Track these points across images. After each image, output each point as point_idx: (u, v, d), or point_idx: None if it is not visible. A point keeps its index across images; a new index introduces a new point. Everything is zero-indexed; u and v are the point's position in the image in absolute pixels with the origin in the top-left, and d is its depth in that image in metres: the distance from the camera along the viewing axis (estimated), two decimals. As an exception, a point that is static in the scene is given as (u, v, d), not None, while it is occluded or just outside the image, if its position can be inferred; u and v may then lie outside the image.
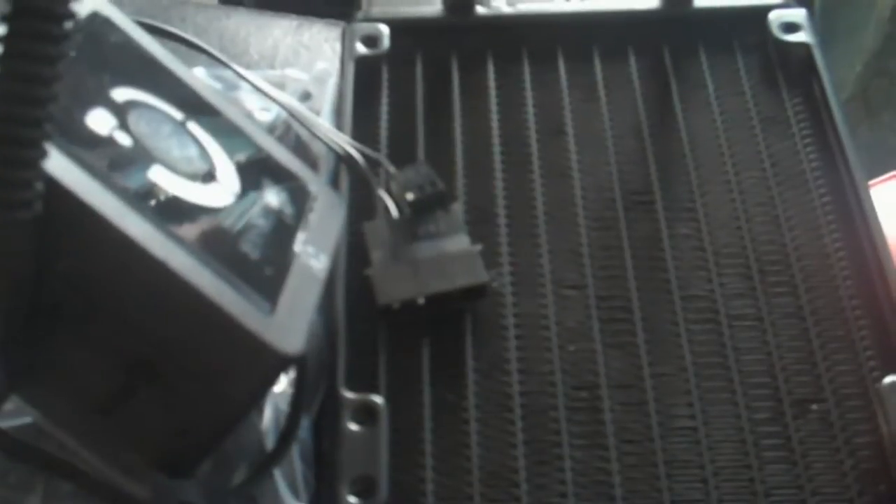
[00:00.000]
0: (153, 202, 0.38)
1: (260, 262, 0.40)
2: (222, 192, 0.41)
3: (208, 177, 0.41)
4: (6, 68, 0.31)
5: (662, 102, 0.59)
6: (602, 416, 0.48)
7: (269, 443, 0.45)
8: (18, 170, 0.32)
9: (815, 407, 0.48)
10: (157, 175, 0.39)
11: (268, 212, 0.43)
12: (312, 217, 0.45)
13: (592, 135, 0.57)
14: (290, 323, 0.38)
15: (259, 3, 0.93)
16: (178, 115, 0.43)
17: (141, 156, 0.39)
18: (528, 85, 0.59)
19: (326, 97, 0.58)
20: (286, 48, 0.67)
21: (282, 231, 0.43)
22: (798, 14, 0.62)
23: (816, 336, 0.50)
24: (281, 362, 0.37)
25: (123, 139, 0.39)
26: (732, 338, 0.50)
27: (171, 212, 0.38)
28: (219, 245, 0.38)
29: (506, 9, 0.63)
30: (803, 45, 0.60)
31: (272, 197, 0.44)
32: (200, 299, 0.36)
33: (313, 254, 0.43)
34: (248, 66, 0.58)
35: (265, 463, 0.44)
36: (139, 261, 0.35)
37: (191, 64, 0.55)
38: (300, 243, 0.43)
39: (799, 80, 0.60)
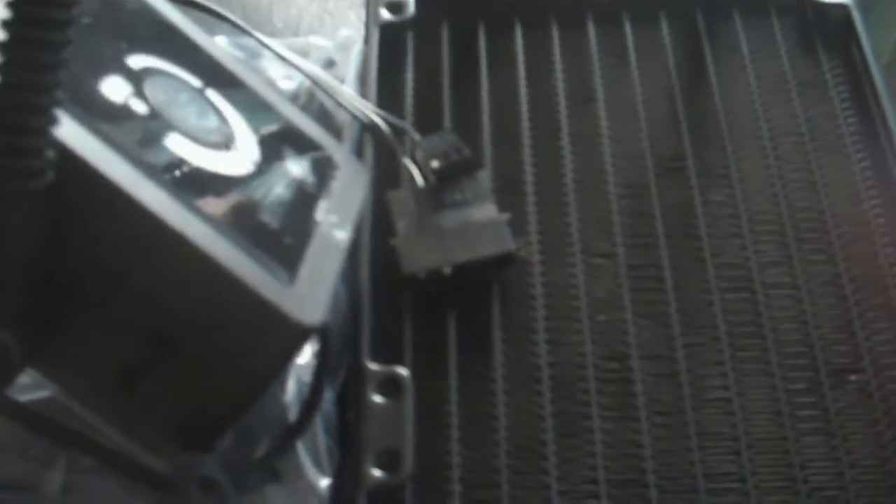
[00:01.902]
0: (170, 171, 0.37)
1: (280, 231, 0.39)
2: (242, 160, 0.40)
3: (227, 145, 0.40)
4: (13, 33, 0.30)
5: (695, 66, 0.57)
6: (633, 387, 0.47)
7: (293, 416, 0.44)
8: (27, 137, 0.31)
9: (853, 377, 0.47)
10: (175, 143, 0.38)
11: (289, 181, 0.42)
12: (335, 186, 0.44)
13: (623, 100, 0.56)
14: (310, 293, 0.37)
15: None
16: (196, 82, 0.42)
17: (157, 124, 0.38)
18: (556, 50, 0.58)
19: (351, 65, 0.57)
20: (310, 16, 0.66)
21: (303, 200, 0.42)
22: (836, -26, 0.60)
23: (854, 304, 0.49)
24: (300, 333, 0.36)
25: (139, 107, 0.38)
26: (768, 306, 0.49)
27: (189, 181, 0.37)
28: (237, 215, 0.38)
29: (533, -27, 0.61)
30: (841, 6, 0.59)
31: (294, 166, 0.43)
32: (218, 270, 0.35)
33: (335, 223, 0.42)
34: (271, 35, 0.57)
35: (287, 436, 0.43)
36: (155, 231, 0.34)
37: (213, 32, 0.54)
38: (322, 213, 0.42)
39: (837, 43, 0.58)
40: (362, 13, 0.60)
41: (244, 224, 0.37)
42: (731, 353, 0.47)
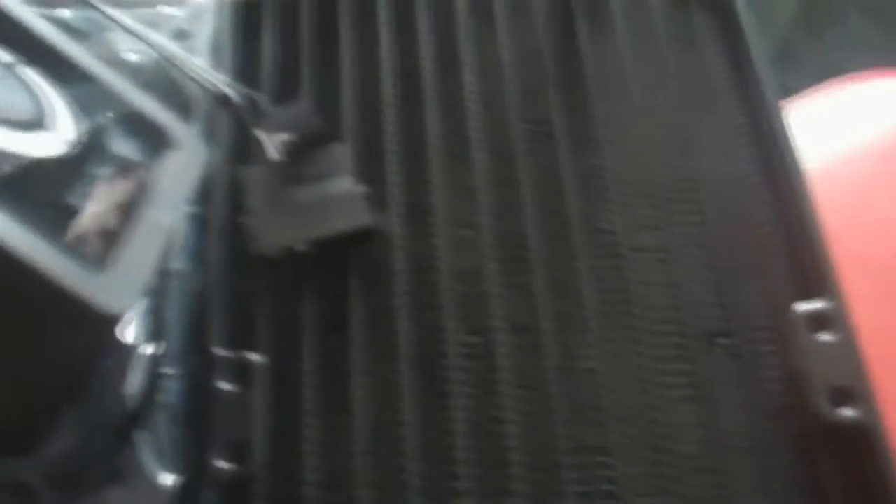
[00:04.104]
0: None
1: (90, 214, 0.36)
2: (53, 140, 0.38)
3: (37, 125, 0.38)
4: None
5: (564, 24, 0.55)
6: (496, 361, 0.45)
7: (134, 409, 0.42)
8: None
9: (722, 341, 0.45)
10: (-31, 123, 0.35)
11: (110, 160, 0.39)
12: (167, 164, 0.41)
13: (490, 63, 0.54)
14: (120, 279, 0.35)
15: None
16: (6, 58, 0.39)
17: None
18: (421, 13, 0.55)
19: (204, 34, 0.54)
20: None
21: (124, 180, 0.39)
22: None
23: (726, 266, 0.47)
24: (106, 322, 0.34)
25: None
26: (636, 271, 0.47)
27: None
28: (40, 198, 0.35)
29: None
30: (713, -42, 0.57)
31: (119, 144, 0.40)
32: (11, 258, 0.32)
33: (160, 202, 0.39)
34: (125, 5, 0.54)
35: (123, 431, 0.40)
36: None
37: (57, 5, 0.51)
38: (146, 192, 0.39)
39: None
40: (223, -20, 0.57)
41: (47, 207, 0.35)
42: (599, 321, 0.46)
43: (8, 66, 0.39)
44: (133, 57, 0.52)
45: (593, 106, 0.52)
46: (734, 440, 0.43)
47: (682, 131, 0.52)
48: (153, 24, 0.54)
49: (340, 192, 0.47)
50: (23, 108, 0.38)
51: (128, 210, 0.38)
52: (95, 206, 0.37)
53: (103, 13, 0.51)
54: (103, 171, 0.38)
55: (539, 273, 0.47)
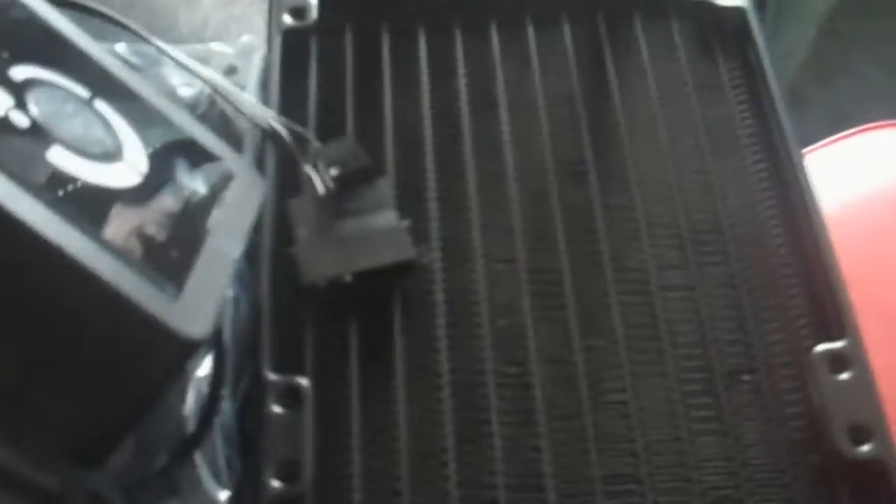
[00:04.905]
0: (51, 185, 0.36)
1: (167, 243, 0.38)
2: (129, 172, 0.40)
3: (114, 157, 0.40)
4: None
5: (596, 70, 0.58)
6: (532, 391, 0.47)
7: (191, 428, 0.44)
8: None
9: (746, 377, 0.48)
10: (57, 156, 0.38)
11: (179, 192, 0.41)
12: (228, 196, 0.44)
13: (525, 105, 0.56)
14: (197, 306, 0.37)
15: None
16: (84, 93, 0.42)
17: (39, 136, 0.38)
18: (459, 55, 0.58)
19: (253, 71, 0.57)
20: (216, 22, 0.65)
21: (193, 211, 0.41)
22: (732, -22, 0.61)
23: (749, 306, 0.50)
24: (186, 347, 0.36)
25: (20, 119, 0.38)
26: (664, 309, 0.49)
27: (71, 195, 0.37)
28: (121, 228, 0.37)
29: (437, -23, 0.61)
30: (737, 10, 0.60)
31: (185, 177, 0.43)
32: (100, 285, 0.34)
33: (227, 233, 0.41)
34: (176, 41, 0.57)
35: (184, 449, 0.42)
36: (33, 246, 0.34)
37: (114, 40, 0.54)
38: (213, 223, 0.42)
39: (734, 46, 0.59)
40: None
41: (128, 237, 0.37)
42: (629, 355, 0.48)
43: (86, 101, 0.41)
44: (185, 91, 0.55)
45: (623, 149, 0.55)
46: (757, 472, 0.46)
47: (706, 175, 0.54)
48: (204, 59, 0.56)
49: (385, 226, 0.50)
50: (100, 142, 0.40)
51: (197, 241, 0.40)
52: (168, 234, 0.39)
53: (157, 48, 0.54)
54: (173, 201, 0.40)
55: (571, 308, 0.49)
